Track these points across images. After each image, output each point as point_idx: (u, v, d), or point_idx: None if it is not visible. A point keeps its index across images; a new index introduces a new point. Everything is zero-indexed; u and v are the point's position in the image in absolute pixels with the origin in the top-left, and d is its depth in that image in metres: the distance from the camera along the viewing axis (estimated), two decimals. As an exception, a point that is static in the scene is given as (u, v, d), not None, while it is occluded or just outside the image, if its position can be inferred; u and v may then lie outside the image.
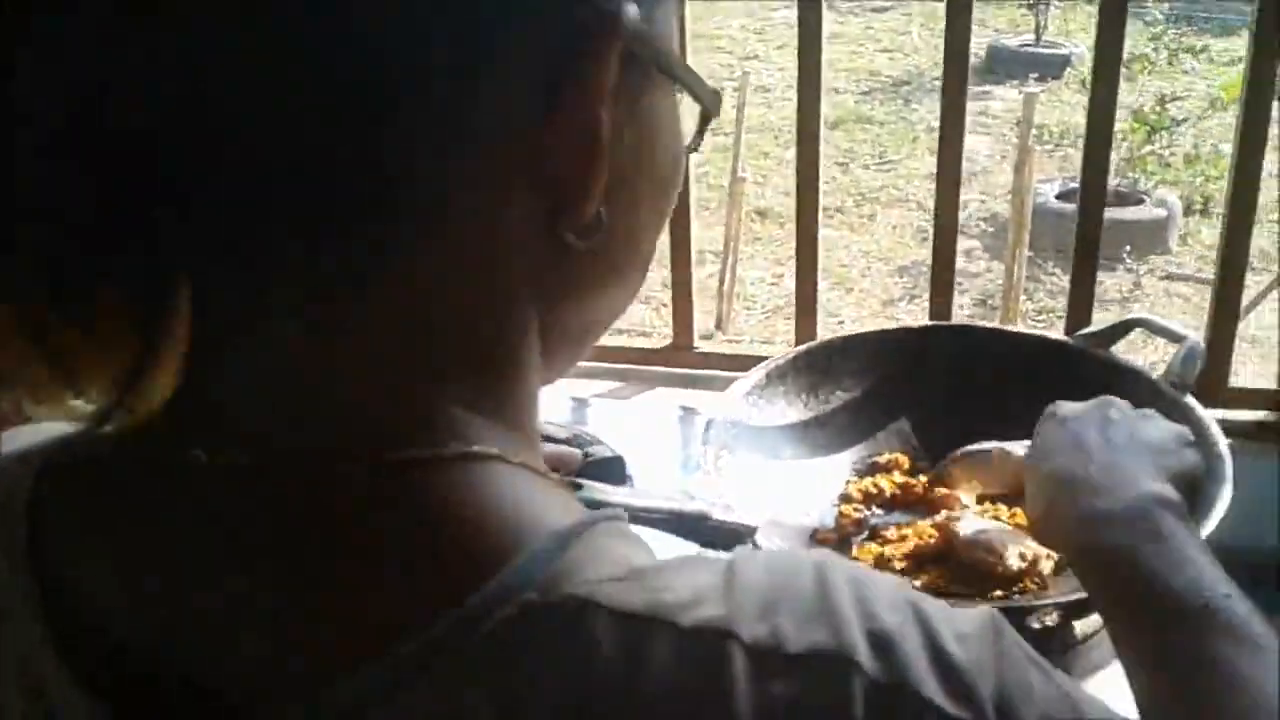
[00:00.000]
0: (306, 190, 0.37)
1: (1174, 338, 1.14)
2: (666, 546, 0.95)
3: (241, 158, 0.37)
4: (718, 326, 4.28)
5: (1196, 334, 1.13)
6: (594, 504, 0.88)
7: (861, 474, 1.19)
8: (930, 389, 1.23)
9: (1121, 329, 1.20)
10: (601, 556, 0.38)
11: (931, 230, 1.36)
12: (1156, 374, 1.13)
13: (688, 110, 0.47)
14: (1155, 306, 4.35)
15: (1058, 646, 0.99)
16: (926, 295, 1.44)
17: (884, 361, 1.24)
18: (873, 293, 4.72)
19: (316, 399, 0.40)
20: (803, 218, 1.39)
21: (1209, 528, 0.93)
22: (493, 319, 0.42)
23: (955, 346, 1.24)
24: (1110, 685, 0.99)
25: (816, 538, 1.10)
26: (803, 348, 1.24)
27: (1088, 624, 1.01)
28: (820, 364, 1.23)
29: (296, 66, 0.36)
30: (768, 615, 0.37)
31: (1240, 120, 1.30)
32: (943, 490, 1.13)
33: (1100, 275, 4.37)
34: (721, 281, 4.28)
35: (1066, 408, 0.83)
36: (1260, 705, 0.58)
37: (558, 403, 1.51)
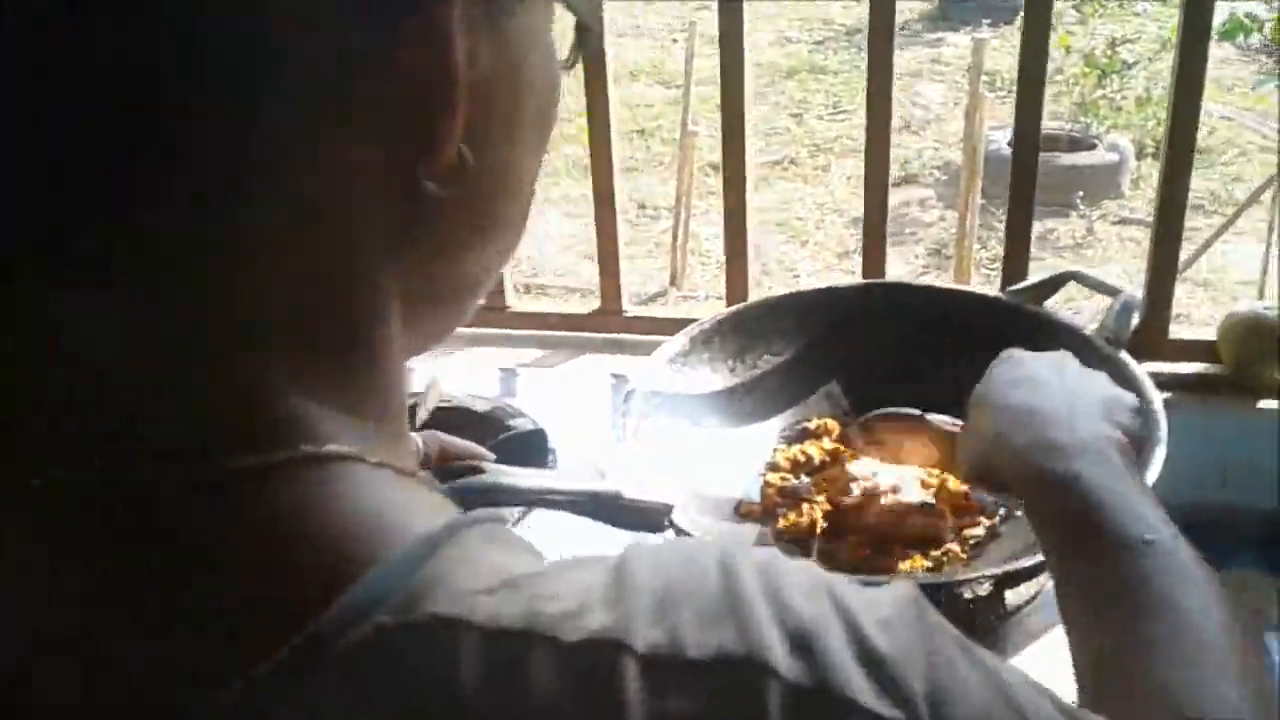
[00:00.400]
0: (92, 162, 0.32)
1: (1108, 291, 1.10)
2: (577, 531, 0.91)
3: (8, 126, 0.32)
4: (672, 282, 4.23)
5: (1132, 287, 1.09)
6: (496, 488, 0.84)
7: (790, 441, 1.14)
8: (861, 350, 1.19)
9: (1055, 283, 1.16)
10: (472, 565, 0.33)
11: (863, 186, 1.31)
12: (1093, 329, 1.09)
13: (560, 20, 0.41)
14: (1108, 251, 4.33)
15: (990, 618, 0.96)
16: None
17: (813, 323, 1.20)
18: (827, 245, 4.68)
19: (138, 404, 0.35)
20: (730, 184, 1.34)
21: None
22: (343, 291, 0.37)
23: (886, 305, 1.20)
24: (1047, 653, 0.97)
25: (741, 510, 1.06)
26: (728, 311, 1.19)
27: (1019, 594, 0.98)
28: (748, 327, 1.18)
29: None
30: (664, 616, 0.32)
31: (1176, 61, 1.26)
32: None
33: (1052, 221, 4.33)
34: (675, 237, 4.22)
35: (1023, 353, 0.82)
36: (1193, 634, 0.57)
37: (483, 373, 1.46)
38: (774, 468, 1.10)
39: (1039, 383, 0.77)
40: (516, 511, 1.02)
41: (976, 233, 3.92)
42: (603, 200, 1.38)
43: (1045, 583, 0.99)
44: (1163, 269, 1.34)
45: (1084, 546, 0.65)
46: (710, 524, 0.99)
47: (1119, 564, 0.62)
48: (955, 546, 1.00)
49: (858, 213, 4.73)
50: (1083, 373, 0.79)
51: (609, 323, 1.45)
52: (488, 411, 1.30)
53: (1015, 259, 1.31)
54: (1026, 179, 1.28)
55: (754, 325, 1.18)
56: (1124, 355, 1.05)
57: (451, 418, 1.30)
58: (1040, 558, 0.91)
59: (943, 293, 1.21)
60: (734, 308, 1.19)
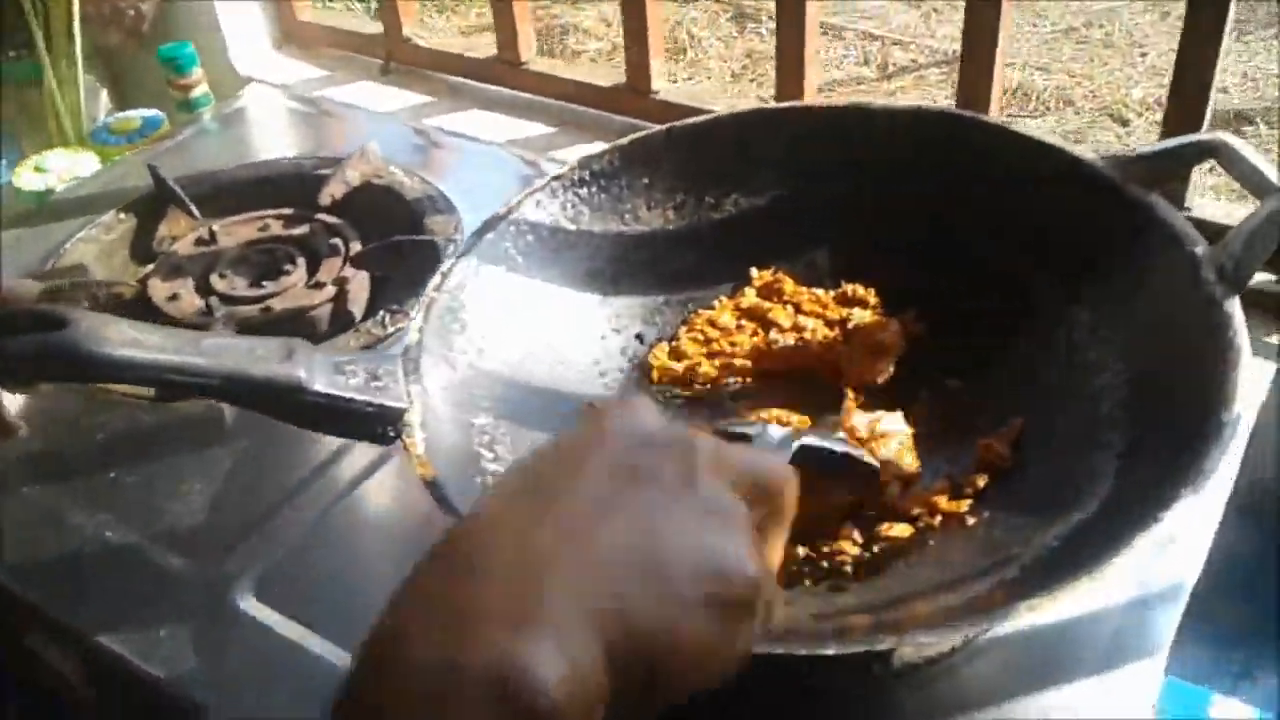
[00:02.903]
0: None
1: (1255, 186, 0.66)
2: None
3: None
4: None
5: (1289, 190, 0.64)
6: (59, 350, 0.58)
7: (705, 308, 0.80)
8: (874, 210, 0.80)
9: (1188, 155, 0.71)
10: None
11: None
12: (1205, 249, 0.66)
13: None
14: None
15: (865, 679, 0.62)
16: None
17: (817, 158, 0.81)
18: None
19: None
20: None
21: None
22: None
23: (929, 149, 0.79)
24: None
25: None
26: (689, 122, 0.82)
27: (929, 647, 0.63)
28: (715, 150, 0.82)
29: None
30: None
31: None
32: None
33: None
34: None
35: (617, 418, 0.40)
36: None
37: (481, 153, 1.15)
38: (675, 352, 0.77)
39: (550, 507, 0.36)
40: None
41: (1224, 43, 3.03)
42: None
43: (982, 626, 0.63)
44: None
45: None
46: (521, 435, 0.69)
47: None
48: (850, 545, 0.65)
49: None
50: (681, 489, 0.38)
51: (633, 104, 1.10)
52: (412, 200, 1.02)
53: (1183, 105, 0.85)
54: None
55: (725, 149, 0.82)
56: (1231, 306, 0.62)
57: (371, 197, 1.03)
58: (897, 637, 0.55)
59: (1020, 143, 0.77)
60: (699, 119, 0.83)
